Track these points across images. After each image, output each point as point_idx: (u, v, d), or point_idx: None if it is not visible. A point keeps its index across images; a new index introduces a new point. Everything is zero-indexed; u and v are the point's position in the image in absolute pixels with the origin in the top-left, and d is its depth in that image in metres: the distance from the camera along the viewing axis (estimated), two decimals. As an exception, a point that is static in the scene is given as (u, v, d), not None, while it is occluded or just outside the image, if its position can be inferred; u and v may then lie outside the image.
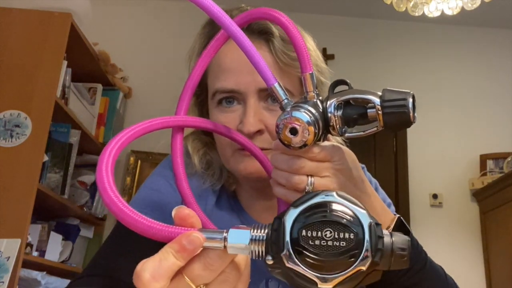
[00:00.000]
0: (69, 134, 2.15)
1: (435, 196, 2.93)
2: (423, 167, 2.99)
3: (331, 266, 0.34)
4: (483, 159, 2.95)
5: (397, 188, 2.95)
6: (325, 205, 0.36)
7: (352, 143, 0.70)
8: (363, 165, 0.82)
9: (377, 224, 0.35)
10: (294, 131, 0.49)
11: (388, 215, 0.61)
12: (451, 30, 3.26)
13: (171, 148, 0.56)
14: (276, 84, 0.49)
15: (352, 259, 0.34)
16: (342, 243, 0.34)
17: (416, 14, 2.15)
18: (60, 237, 2.14)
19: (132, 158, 2.84)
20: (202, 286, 0.36)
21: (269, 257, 0.35)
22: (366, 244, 0.34)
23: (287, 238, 0.35)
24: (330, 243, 0.34)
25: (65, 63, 2.02)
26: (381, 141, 3.07)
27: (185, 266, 0.36)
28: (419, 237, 0.79)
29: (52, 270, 2.02)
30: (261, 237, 0.36)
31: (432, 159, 3.00)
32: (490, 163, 2.92)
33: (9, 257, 1.63)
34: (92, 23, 2.31)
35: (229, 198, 0.78)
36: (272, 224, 0.37)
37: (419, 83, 3.15)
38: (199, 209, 0.56)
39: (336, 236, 0.34)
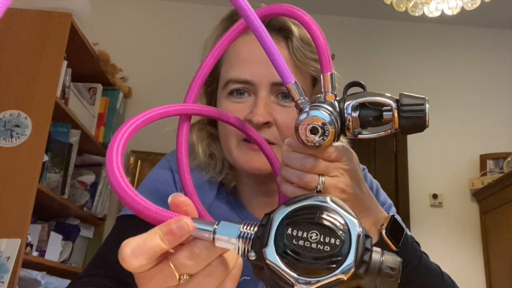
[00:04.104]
0: (69, 134, 2.15)
1: (435, 196, 2.93)
2: (423, 167, 2.99)
3: (311, 269, 0.33)
4: (483, 159, 2.95)
5: (397, 188, 2.95)
6: (316, 208, 0.35)
7: (352, 143, 0.70)
8: (364, 166, 0.82)
9: (367, 236, 0.35)
10: (315, 131, 0.49)
11: (382, 214, 0.62)
12: (451, 30, 3.26)
13: (177, 136, 0.56)
14: (293, 83, 0.49)
15: (334, 266, 0.33)
16: (326, 248, 0.33)
17: (416, 14, 2.15)
18: (60, 237, 2.14)
19: (132, 158, 2.84)
20: (185, 276, 0.36)
21: (252, 253, 0.35)
22: (351, 253, 0.33)
23: (272, 233, 0.34)
24: (314, 245, 0.33)
25: (65, 63, 2.02)
26: (381, 141, 3.07)
27: (172, 253, 0.36)
28: (419, 237, 0.80)
29: (52, 270, 2.02)
30: (249, 235, 0.36)
31: (432, 159, 3.00)
32: (490, 163, 2.92)
33: (9, 257, 1.63)
34: (92, 23, 2.31)
35: (229, 194, 0.78)
36: (262, 219, 0.36)
37: (419, 83, 3.15)
38: (198, 201, 0.57)
39: (322, 240, 0.33)
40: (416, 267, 0.64)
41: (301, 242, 0.33)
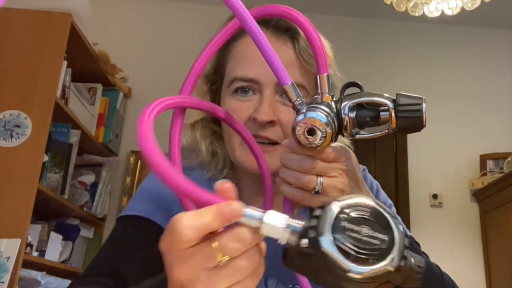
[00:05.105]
0: (69, 134, 2.15)
1: (435, 196, 2.93)
2: (423, 167, 2.99)
3: (362, 259, 0.36)
4: (483, 159, 2.95)
5: (397, 188, 2.95)
6: (366, 206, 0.39)
7: (352, 143, 0.70)
8: (364, 167, 0.82)
9: (406, 236, 0.38)
10: (312, 132, 0.49)
11: None
12: (451, 30, 3.26)
13: (171, 128, 0.55)
14: (290, 84, 0.48)
15: (382, 258, 0.36)
16: (376, 241, 0.37)
17: (416, 14, 2.15)
18: (60, 237, 2.14)
19: (132, 158, 2.84)
20: (225, 258, 0.37)
21: (305, 241, 0.37)
22: (395, 248, 0.37)
23: (328, 224, 0.37)
24: (365, 238, 0.37)
25: (65, 63, 2.02)
26: (381, 141, 3.07)
27: (216, 234, 0.37)
28: (419, 237, 0.80)
29: (52, 270, 2.02)
30: (295, 225, 0.38)
31: (432, 159, 3.00)
32: (490, 163, 2.92)
33: (9, 257, 1.63)
34: (92, 23, 2.31)
35: None
36: (313, 211, 0.39)
37: (419, 83, 3.15)
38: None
39: (372, 234, 0.37)
40: None
41: (354, 235, 0.37)
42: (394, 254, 0.36)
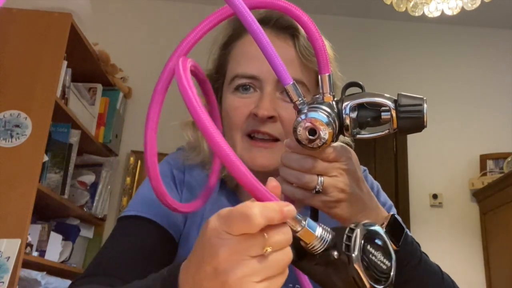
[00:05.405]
0: (69, 134, 2.15)
1: (435, 196, 2.92)
2: (423, 167, 2.99)
3: (375, 278, 0.43)
4: (483, 159, 2.95)
5: (397, 188, 2.95)
6: (380, 234, 0.45)
7: (353, 140, 0.71)
8: (365, 168, 0.82)
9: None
10: (313, 132, 0.49)
11: (382, 213, 0.62)
12: (451, 30, 3.26)
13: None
14: (291, 84, 0.48)
15: (385, 279, 0.44)
16: (384, 266, 0.44)
17: (416, 14, 2.15)
18: (60, 237, 2.14)
19: (132, 158, 2.84)
20: (269, 249, 0.38)
21: (336, 253, 0.43)
22: (392, 272, 0.44)
23: (359, 245, 0.42)
24: (378, 262, 0.44)
25: (65, 63, 2.02)
26: (381, 141, 3.07)
27: (267, 227, 0.38)
28: (419, 237, 0.80)
29: (52, 270, 2.02)
30: (325, 237, 0.43)
31: (432, 159, 3.00)
32: (490, 163, 2.92)
33: (9, 257, 1.63)
34: (92, 23, 2.31)
35: (229, 194, 0.78)
36: (348, 231, 0.44)
37: (419, 83, 3.15)
38: (166, 192, 0.59)
39: (382, 259, 0.44)
40: (416, 266, 0.64)
41: (372, 257, 0.43)
42: (392, 277, 0.44)
